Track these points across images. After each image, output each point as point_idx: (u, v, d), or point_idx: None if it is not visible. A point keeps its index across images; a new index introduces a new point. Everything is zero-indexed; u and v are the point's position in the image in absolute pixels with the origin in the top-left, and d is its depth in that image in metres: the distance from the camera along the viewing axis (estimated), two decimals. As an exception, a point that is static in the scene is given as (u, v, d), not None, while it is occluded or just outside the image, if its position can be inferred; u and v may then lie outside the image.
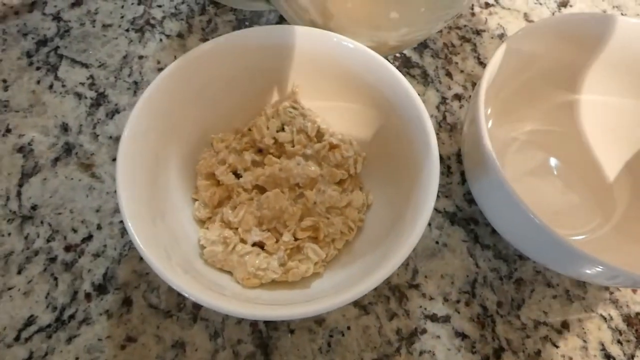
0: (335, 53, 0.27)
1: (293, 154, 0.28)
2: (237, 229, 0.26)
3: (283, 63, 0.29)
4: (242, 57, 0.28)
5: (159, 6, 0.40)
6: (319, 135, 0.28)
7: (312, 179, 0.27)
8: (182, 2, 0.40)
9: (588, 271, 0.22)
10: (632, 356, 0.27)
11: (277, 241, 0.26)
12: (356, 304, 0.28)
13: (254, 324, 0.27)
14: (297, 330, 0.27)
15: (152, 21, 0.39)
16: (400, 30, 0.29)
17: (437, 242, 0.30)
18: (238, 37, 0.27)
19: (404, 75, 0.37)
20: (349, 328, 0.27)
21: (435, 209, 0.31)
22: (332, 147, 0.27)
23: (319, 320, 0.27)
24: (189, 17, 0.40)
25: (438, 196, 0.32)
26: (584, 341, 0.28)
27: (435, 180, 0.23)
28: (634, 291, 0.29)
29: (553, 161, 0.32)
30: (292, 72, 0.29)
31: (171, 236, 0.24)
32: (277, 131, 0.28)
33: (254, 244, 0.26)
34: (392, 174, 0.27)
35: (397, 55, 0.37)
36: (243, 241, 0.26)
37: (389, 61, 0.38)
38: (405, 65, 0.37)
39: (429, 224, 0.31)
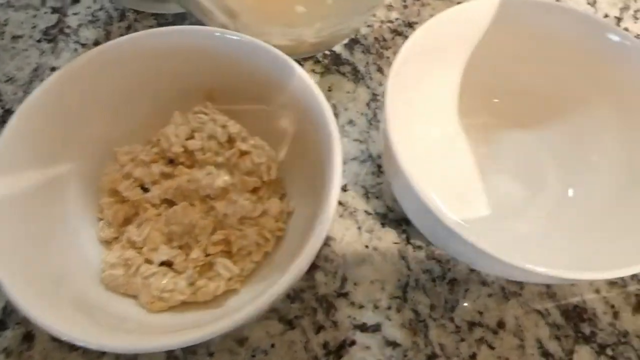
0: (241, 54, 0.25)
1: (204, 163, 0.26)
2: (142, 248, 0.24)
3: (190, 67, 0.27)
4: (144, 61, 0.26)
5: (75, 14, 0.38)
6: (231, 140, 0.26)
7: (223, 189, 0.25)
8: (100, 9, 0.38)
9: (489, 267, 0.21)
10: (571, 352, 0.26)
11: (187, 259, 0.24)
12: (281, 318, 0.26)
13: (169, 350, 0.25)
14: (217, 352, 0.25)
15: (66, 30, 0.37)
16: (313, 25, 0.27)
17: (367, 247, 0.29)
18: (136, 39, 0.25)
19: (334, 74, 0.35)
20: (272, 346, 0.26)
21: (366, 212, 0.30)
22: (243, 153, 0.26)
23: (241, 339, 0.26)
24: (107, 24, 0.38)
25: (368, 197, 0.30)
26: (521, 339, 0.26)
27: (336, 183, 0.21)
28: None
29: (485, 153, 0.31)
30: (201, 76, 0.27)
31: (64, 266, 0.22)
32: (187, 139, 0.27)
33: (162, 264, 0.24)
34: (309, 179, 0.26)
35: (327, 52, 0.36)
36: (149, 261, 0.24)
37: (318, 59, 0.36)
38: (334, 62, 0.36)
39: (359, 228, 0.29)
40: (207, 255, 0.24)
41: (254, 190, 0.26)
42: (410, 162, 0.21)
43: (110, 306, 0.23)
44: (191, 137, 0.27)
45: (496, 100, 0.31)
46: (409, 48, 0.24)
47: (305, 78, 0.23)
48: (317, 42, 0.30)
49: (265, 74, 0.25)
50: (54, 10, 0.38)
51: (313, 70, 0.35)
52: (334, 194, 0.21)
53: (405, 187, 0.22)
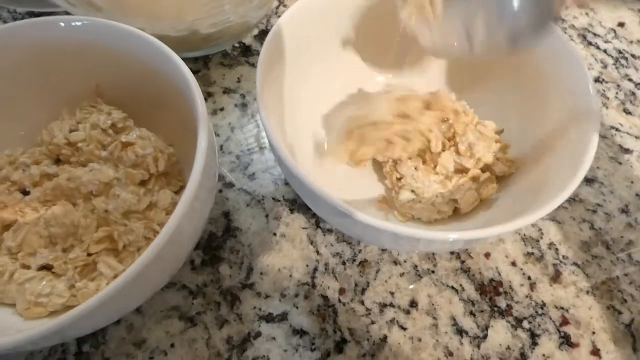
0: (115, 43, 0.24)
1: (89, 156, 0.25)
2: (17, 253, 0.23)
3: (74, 62, 0.26)
4: (18, 56, 0.25)
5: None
6: (117, 130, 0.25)
7: (107, 184, 0.24)
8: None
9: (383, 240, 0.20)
10: (487, 327, 0.25)
11: (67, 260, 0.23)
12: (181, 316, 0.25)
13: (62, 357, 0.24)
14: (113, 357, 0.24)
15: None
16: (185, 17, 0.26)
17: (274, 234, 0.27)
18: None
19: (243, 65, 0.34)
20: (172, 345, 0.24)
21: (274, 198, 0.29)
22: (126, 145, 0.24)
23: (138, 342, 0.24)
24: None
25: (277, 184, 0.29)
26: (434, 318, 0.25)
27: (198, 164, 0.20)
28: (487, 256, 0.27)
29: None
30: (87, 72, 0.26)
31: None
32: (71, 131, 0.25)
33: (43, 268, 0.23)
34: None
35: (236, 44, 0.35)
36: (25, 267, 0.23)
37: (227, 52, 0.35)
38: (244, 54, 0.35)
39: (266, 216, 0.28)
40: (91, 254, 0.23)
41: (144, 183, 0.25)
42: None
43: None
44: (76, 130, 0.25)
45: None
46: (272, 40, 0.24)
47: (175, 59, 0.22)
48: (209, 33, 0.29)
49: (142, 62, 0.24)
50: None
51: (221, 63, 0.34)
52: (197, 171, 0.20)
53: (283, 166, 0.21)
